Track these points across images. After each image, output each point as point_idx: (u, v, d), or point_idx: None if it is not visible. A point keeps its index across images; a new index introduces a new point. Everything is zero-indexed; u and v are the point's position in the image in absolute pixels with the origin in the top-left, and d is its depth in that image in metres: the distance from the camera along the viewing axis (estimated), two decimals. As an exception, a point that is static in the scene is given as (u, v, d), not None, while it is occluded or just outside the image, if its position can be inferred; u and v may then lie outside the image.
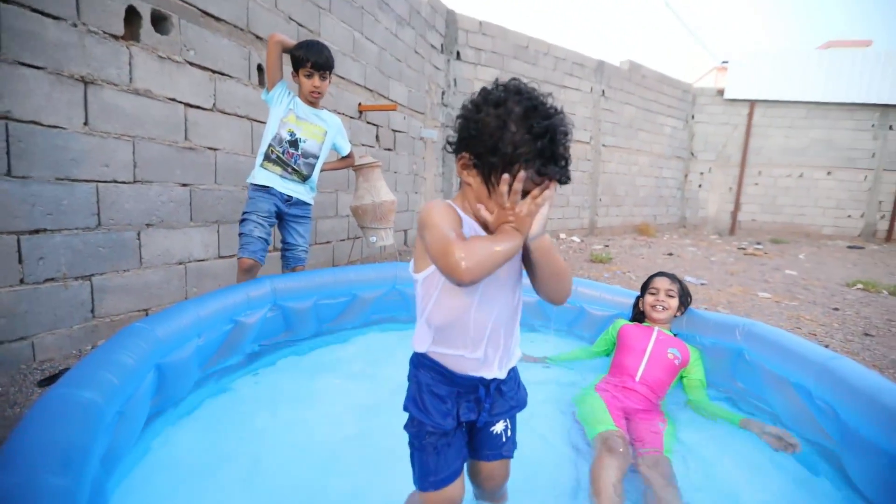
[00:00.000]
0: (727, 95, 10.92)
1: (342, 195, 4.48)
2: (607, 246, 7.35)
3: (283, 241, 2.56)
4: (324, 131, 2.53)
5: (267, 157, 2.41)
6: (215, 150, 2.98)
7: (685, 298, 2.05)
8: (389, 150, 5.29)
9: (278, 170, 2.42)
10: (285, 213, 2.49)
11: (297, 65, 2.38)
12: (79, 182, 2.28)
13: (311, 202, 2.62)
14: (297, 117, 2.42)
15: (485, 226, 0.86)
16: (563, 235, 8.34)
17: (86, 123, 2.29)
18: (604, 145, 9.23)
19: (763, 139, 10.97)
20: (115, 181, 2.44)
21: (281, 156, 2.42)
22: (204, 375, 1.87)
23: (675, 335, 2.00)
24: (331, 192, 4.34)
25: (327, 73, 2.42)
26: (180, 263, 2.85)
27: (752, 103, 10.89)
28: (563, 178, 0.81)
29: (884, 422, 1.20)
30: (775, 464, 1.48)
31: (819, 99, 10.52)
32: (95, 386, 1.10)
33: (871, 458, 1.24)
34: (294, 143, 2.44)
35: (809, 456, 1.51)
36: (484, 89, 0.82)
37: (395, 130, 5.37)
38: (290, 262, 2.56)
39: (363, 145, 4.76)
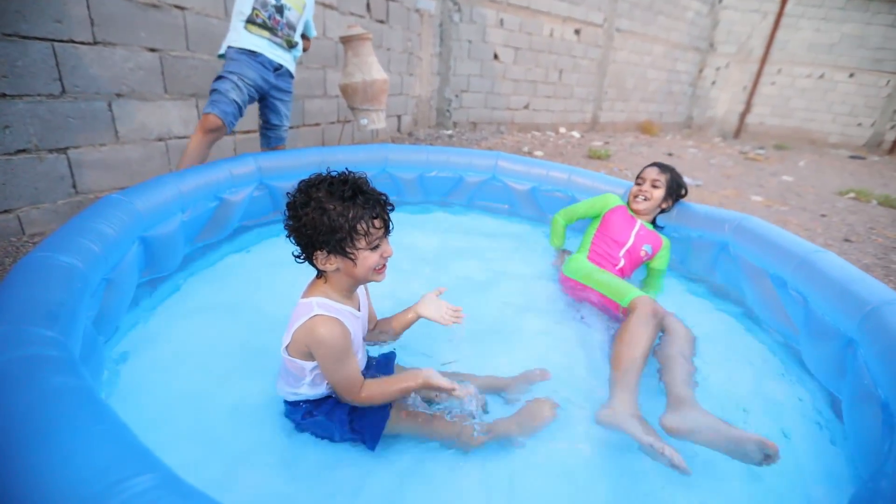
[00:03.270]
0: (763, -24, 9.74)
1: (330, 72, 4.15)
2: (607, 143, 7.13)
3: (266, 121, 2.41)
4: (304, 4, 2.32)
5: (251, 21, 2.15)
6: (183, 8, 2.66)
7: (676, 190, 1.99)
8: (381, 21, 4.79)
9: (266, 34, 2.18)
10: (271, 88, 2.30)
11: None
12: (31, 40, 2.05)
13: (294, 77, 2.42)
14: None
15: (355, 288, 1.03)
16: (562, 129, 8.01)
17: (25, -37, 1.98)
18: (618, 30, 8.43)
19: (791, 31, 10.06)
20: (73, 41, 2.20)
21: (267, 20, 2.18)
22: (193, 249, 1.89)
23: (656, 228, 2.03)
24: (318, 69, 4.01)
25: None
26: (160, 140, 2.71)
27: (789, -13, 9.76)
28: (390, 223, 0.97)
29: (848, 308, 1.26)
30: (734, 339, 1.65)
31: (863, -14, 9.44)
32: (75, 252, 1.09)
33: (828, 343, 1.32)
34: (280, 10, 2.20)
35: (771, 344, 1.65)
36: (290, 202, 0.92)
37: (388, -1, 4.81)
38: (272, 141, 2.45)
39: (351, 14, 4.29)
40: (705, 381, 1.33)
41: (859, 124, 10.36)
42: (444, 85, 6.52)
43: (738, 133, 10.69)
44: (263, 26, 2.17)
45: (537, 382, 1.28)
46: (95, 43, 2.29)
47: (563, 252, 2.18)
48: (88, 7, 2.23)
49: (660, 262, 1.99)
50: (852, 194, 5.01)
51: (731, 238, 1.90)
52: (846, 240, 3.41)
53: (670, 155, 6.66)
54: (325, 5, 3.90)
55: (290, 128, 3.66)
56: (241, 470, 0.99)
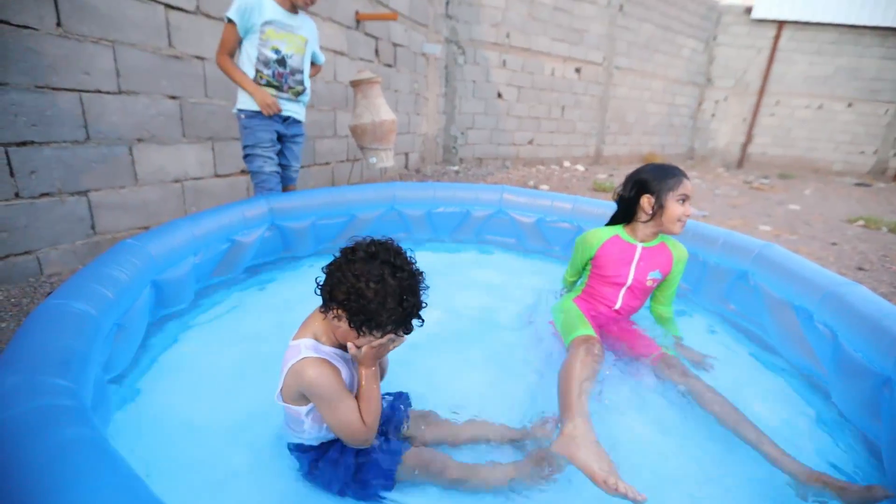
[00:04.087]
0: (755, 14, 10.05)
1: (340, 114, 4.28)
2: (612, 175, 7.20)
3: (279, 163, 2.45)
4: (304, 41, 2.29)
5: (256, 82, 2.20)
6: (202, 59, 2.78)
7: None
8: (389, 65, 4.97)
9: (272, 91, 2.23)
10: (283, 135, 2.36)
11: None
12: (60, 91, 2.15)
13: (305, 121, 2.48)
14: (276, 30, 2.15)
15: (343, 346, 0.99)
16: (567, 163, 8.12)
17: (59, 24, 2.10)
18: (617, 67, 8.67)
19: (786, 65, 10.28)
20: (99, 91, 2.31)
21: (272, 79, 2.22)
22: (204, 286, 1.90)
23: (663, 237, 1.66)
24: (329, 111, 4.14)
25: None
26: (176, 181, 2.79)
27: (781, 24, 10.05)
28: (410, 332, 0.95)
29: (883, 346, 1.21)
30: (763, 381, 1.57)
31: (853, 21, 9.69)
32: (88, 298, 1.10)
33: (861, 381, 1.27)
34: (282, 62, 2.22)
35: (795, 379, 1.58)
36: (357, 250, 0.90)
37: (395, 44, 5.01)
38: (283, 182, 2.48)
39: (361, 59, 4.46)
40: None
41: (862, 152, 10.39)
42: (449, 123, 6.69)
43: (740, 163, 10.75)
44: (269, 85, 2.21)
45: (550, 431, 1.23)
46: (120, 92, 2.40)
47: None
48: (115, 60, 2.35)
49: (670, 287, 1.69)
50: (861, 222, 4.97)
51: (753, 267, 1.85)
52: (860, 268, 3.35)
53: None
54: (335, 52, 4.07)
55: (302, 167, 3.75)
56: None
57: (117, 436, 1.11)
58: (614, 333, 1.61)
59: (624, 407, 1.36)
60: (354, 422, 0.95)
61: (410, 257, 0.93)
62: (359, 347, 0.94)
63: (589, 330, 1.45)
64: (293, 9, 2.20)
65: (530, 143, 7.83)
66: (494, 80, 6.98)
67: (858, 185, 8.85)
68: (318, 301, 0.97)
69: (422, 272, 0.94)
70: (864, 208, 6.00)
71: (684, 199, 1.52)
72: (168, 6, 2.55)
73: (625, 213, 1.64)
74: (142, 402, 1.26)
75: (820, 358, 1.51)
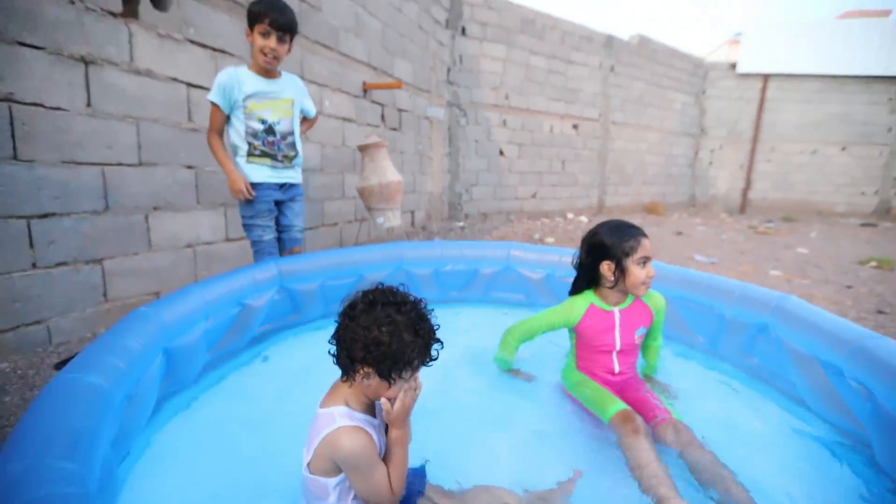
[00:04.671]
0: (740, 69, 10.57)
1: (348, 176, 4.43)
2: None
3: (278, 224, 2.45)
4: (290, 102, 2.25)
5: (251, 154, 2.19)
6: (219, 131, 2.93)
7: None
8: (395, 129, 5.21)
9: (267, 161, 2.24)
10: (280, 200, 2.39)
11: (253, 21, 2.02)
12: (84, 165, 2.25)
13: (301, 182, 2.48)
14: (258, 101, 2.14)
15: (371, 405, 1.00)
16: (570, 215, 8.24)
17: (88, 105, 2.25)
18: (613, 122, 9.02)
19: (776, 114, 10.65)
20: (121, 164, 2.42)
21: (265, 149, 2.20)
22: (214, 357, 1.87)
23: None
24: (337, 174, 4.29)
25: (287, 36, 2.07)
26: (189, 246, 2.85)
27: (766, 77, 10.53)
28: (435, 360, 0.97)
29: None
30: (783, 436, 1.49)
31: (835, 72, 10.15)
32: (102, 370, 1.09)
33: None
34: (270, 130, 2.19)
35: (830, 438, 1.49)
36: (355, 306, 0.92)
37: (400, 109, 5.27)
38: (286, 244, 2.47)
39: (368, 125, 4.68)
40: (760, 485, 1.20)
41: (863, 193, 10.49)
42: (454, 181, 6.89)
43: (743, 208, 10.86)
44: (263, 154, 2.21)
45: (570, 491, 1.18)
46: (140, 164, 2.51)
47: (517, 372, 1.80)
48: (138, 134, 2.48)
49: (656, 337, 1.70)
50: (874, 263, 4.91)
51: (773, 320, 1.80)
52: (879, 311, 3.27)
53: (679, 233, 6.72)
54: (344, 119, 4.28)
55: (310, 228, 3.92)
56: None
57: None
58: (624, 396, 1.56)
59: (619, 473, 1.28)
60: (384, 489, 0.93)
61: (406, 292, 0.95)
62: (391, 401, 0.94)
63: (619, 403, 1.42)
64: (270, 74, 2.17)
65: (533, 196, 8.00)
66: (496, 139, 7.26)
67: (864, 225, 8.85)
68: (331, 367, 0.95)
69: (422, 299, 0.96)
70: (874, 249, 5.96)
71: (645, 260, 1.49)
72: (190, 84, 2.73)
73: (588, 280, 1.60)
74: (141, 484, 1.20)
75: (856, 414, 1.43)
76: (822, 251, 5.67)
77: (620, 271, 1.50)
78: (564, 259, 2.59)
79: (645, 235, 1.51)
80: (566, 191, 8.50)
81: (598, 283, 1.59)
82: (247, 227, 2.29)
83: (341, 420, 0.91)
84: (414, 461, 1.18)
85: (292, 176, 2.39)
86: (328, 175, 4.17)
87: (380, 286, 0.96)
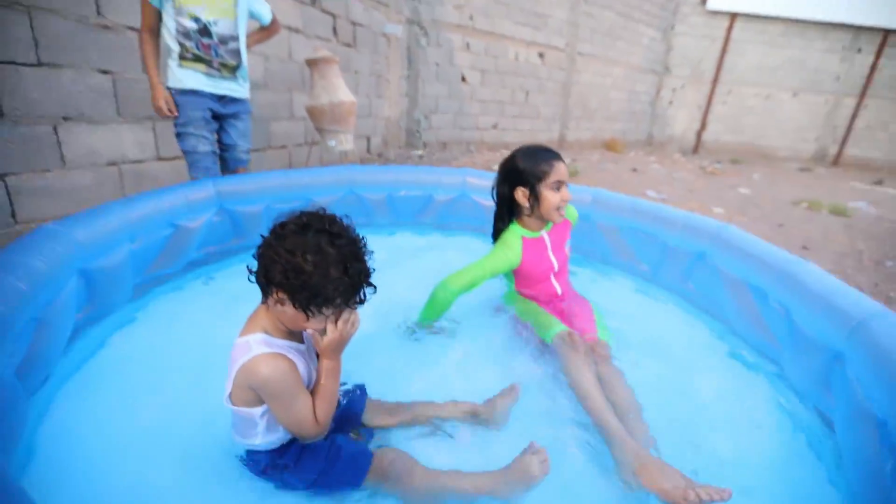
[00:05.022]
0: (709, 6, 10.36)
1: (297, 95, 4.07)
2: (575, 160, 7.27)
3: (220, 142, 2.27)
4: (232, 1, 2.04)
5: (183, 57, 1.99)
6: (137, 30, 2.53)
7: None
8: (349, 45, 4.77)
9: (202, 67, 2.03)
10: (220, 113, 2.18)
11: None
12: (-36, 58, 1.89)
13: (248, 96, 2.28)
14: None
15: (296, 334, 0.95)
16: (531, 149, 8.15)
17: (-39, -19, 1.84)
18: (580, 53, 8.72)
19: (738, 56, 10.67)
20: (14, 62, 2.05)
21: (197, 52, 2.00)
22: (148, 280, 1.75)
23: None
24: (284, 92, 3.93)
25: None
26: (112, 165, 2.55)
27: (734, 16, 10.42)
28: (363, 303, 0.91)
29: (831, 321, 1.26)
30: (710, 356, 1.62)
31: (799, 16, 10.16)
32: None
33: (812, 356, 1.32)
34: (205, 31, 1.98)
35: (751, 360, 1.61)
36: (287, 225, 0.84)
37: (354, 23, 4.80)
38: (229, 164, 2.31)
39: (318, 38, 4.25)
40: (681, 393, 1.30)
41: (804, 139, 10.99)
42: (412, 106, 6.54)
43: (696, 149, 11.15)
44: (196, 59, 2.02)
45: (511, 401, 1.21)
46: (40, 65, 2.14)
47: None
48: (32, 27, 2.09)
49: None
50: (805, 204, 5.24)
51: (711, 248, 1.87)
52: (804, 247, 3.52)
53: (635, 170, 6.85)
54: (290, 28, 3.84)
55: (256, 150, 3.62)
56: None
57: (33, 457, 0.99)
58: (567, 311, 1.61)
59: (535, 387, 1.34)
60: (307, 420, 0.91)
61: (348, 224, 0.88)
62: (322, 335, 0.89)
63: (562, 325, 1.44)
64: None
65: (494, 127, 7.79)
66: (458, 63, 6.86)
67: (802, 170, 9.36)
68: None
69: (363, 238, 0.89)
70: (808, 192, 6.34)
71: (559, 185, 1.45)
72: (94, -33, 2.30)
73: (509, 210, 1.57)
74: (64, 414, 1.12)
75: (775, 334, 1.54)
76: (762, 192, 5.97)
77: (535, 197, 1.47)
78: None
79: (559, 159, 1.46)
80: (528, 123, 8.33)
81: (518, 212, 1.56)
82: (179, 136, 2.11)
83: (258, 347, 0.86)
84: (354, 381, 1.16)
85: (234, 89, 2.17)
86: (274, 92, 3.81)
87: (320, 211, 0.87)
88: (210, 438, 1.07)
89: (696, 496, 0.91)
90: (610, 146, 9.59)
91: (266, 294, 0.87)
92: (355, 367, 1.20)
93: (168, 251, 1.81)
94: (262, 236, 0.86)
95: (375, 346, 1.44)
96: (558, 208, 1.47)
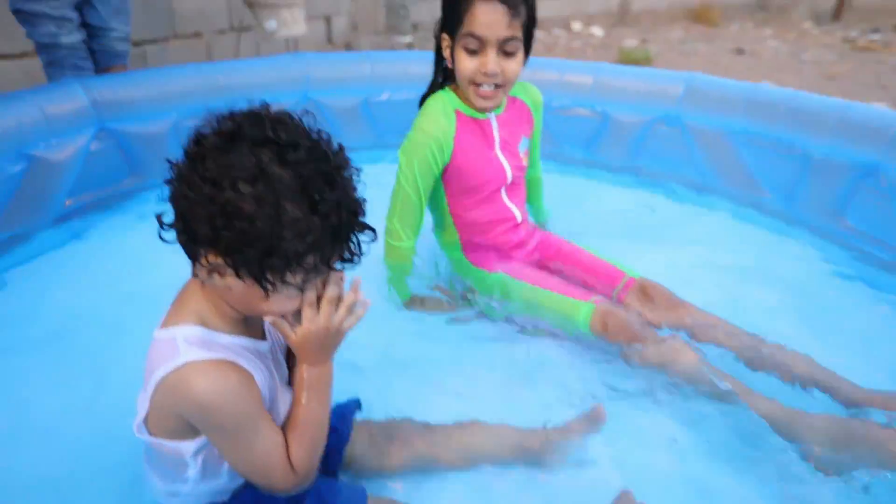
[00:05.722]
0: None
1: (212, -50, 3.94)
2: (645, 41, 7.16)
3: (85, 25, 2.29)
4: None
5: None
6: None
7: (532, 26, 1.51)
8: None
9: None
10: None
11: None
12: None
13: None
14: None
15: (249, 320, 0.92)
16: (577, 25, 7.94)
17: None
18: None
19: None
20: None
21: None
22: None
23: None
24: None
25: None
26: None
27: None
28: (357, 259, 0.87)
29: None
30: None
31: None
32: None
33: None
34: None
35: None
36: (206, 139, 0.76)
37: None
38: (99, 59, 2.35)
39: None
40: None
41: None
42: (394, -35, 6.32)
43: (839, 13, 10.72)
44: None
45: (593, 429, 1.25)
46: None
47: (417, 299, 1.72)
48: None
49: (533, 149, 1.75)
50: None
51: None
52: None
53: (740, 51, 6.75)
54: None
55: (157, 41, 3.65)
56: None
57: None
58: (553, 258, 1.71)
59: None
60: (275, 466, 0.88)
61: (308, 126, 0.81)
62: (296, 322, 0.87)
63: (585, 304, 1.49)
64: None
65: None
66: None
67: None
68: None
69: (338, 146, 0.82)
70: None
71: (477, 43, 1.40)
72: None
73: (443, 68, 1.56)
74: None
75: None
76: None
77: (452, 53, 1.48)
78: (569, 78, 2.55)
79: None
80: (571, -17, 8.06)
81: (452, 73, 1.53)
82: (21, 16, 2.12)
83: (188, 350, 0.81)
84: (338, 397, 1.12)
85: None
86: None
87: (260, 109, 0.79)
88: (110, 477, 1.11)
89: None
90: (700, 15, 9.33)
91: (194, 259, 0.81)
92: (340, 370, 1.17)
93: (20, 200, 1.81)
94: (171, 162, 0.78)
95: (374, 333, 1.42)
96: (470, 82, 1.44)
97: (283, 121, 0.78)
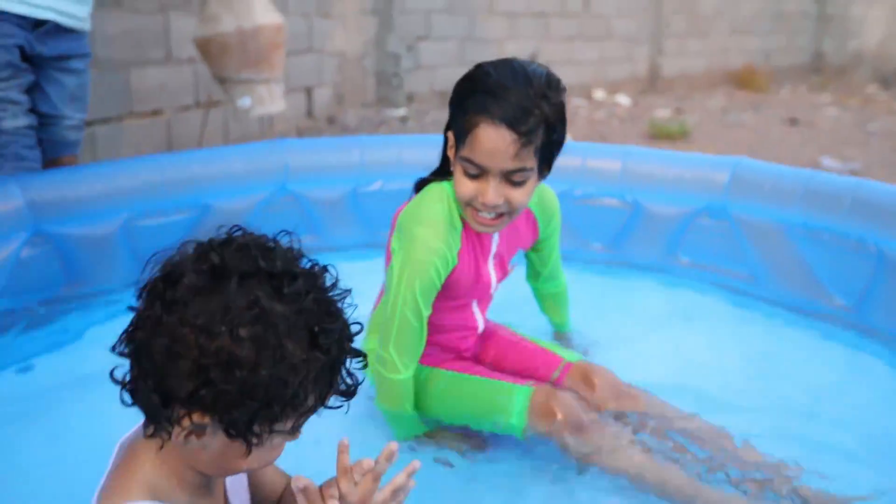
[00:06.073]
0: None
1: (177, 18, 4.16)
2: (680, 110, 7.32)
3: (35, 111, 2.35)
4: None
5: None
6: None
7: (553, 148, 1.50)
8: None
9: None
10: (39, 56, 2.29)
11: None
12: None
13: (87, 28, 2.41)
14: None
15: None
16: (599, 94, 8.19)
17: None
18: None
19: None
20: None
21: None
22: None
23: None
24: (155, 14, 4.03)
25: None
26: None
27: None
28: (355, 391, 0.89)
29: None
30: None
31: None
32: None
33: None
34: None
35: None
36: (181, 277, 0.77)
37: None
38: (48, 147, 2.40)
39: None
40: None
41: None
42: (385, 31, 6.62)
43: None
44: None
45: None
46: None
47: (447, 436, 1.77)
48: None
49: (550, 254, 1.85)
50: None
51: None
52: None
53: (793, 121, 6.86)
54: None
55: (110, 120, 3.73)
56: None
57: None
58: (492, 354, 1.80)
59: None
60: None
61: (291, 249, 0.84)
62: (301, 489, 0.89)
63: (520, 386, 1.56)
64: None
65: (532, 58, 7.84)
66: (463, -51, 6.98)
67: None
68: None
69: (321, 266, 0.85)
70: None
71: (475, 169, 1.42)
72: None
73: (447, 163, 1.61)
74: None
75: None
76: None
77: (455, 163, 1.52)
78: (594, 164, 2.64)
79: (501, 118, 1.35)
80: (593, 49, 8.39)
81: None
82: None
83: None
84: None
85: (62, 8, 2.29)
86: (136, 14, 3.90)
87: (236, 235, 0.82)
88: None
89: None
90: (744, 80, 9.62)
91: (160, 423, 0.80)
92: None
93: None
94: (133, 308, 0.80)
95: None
96: (467, 205, 1.47)
97: (269, 247, 0.81)
